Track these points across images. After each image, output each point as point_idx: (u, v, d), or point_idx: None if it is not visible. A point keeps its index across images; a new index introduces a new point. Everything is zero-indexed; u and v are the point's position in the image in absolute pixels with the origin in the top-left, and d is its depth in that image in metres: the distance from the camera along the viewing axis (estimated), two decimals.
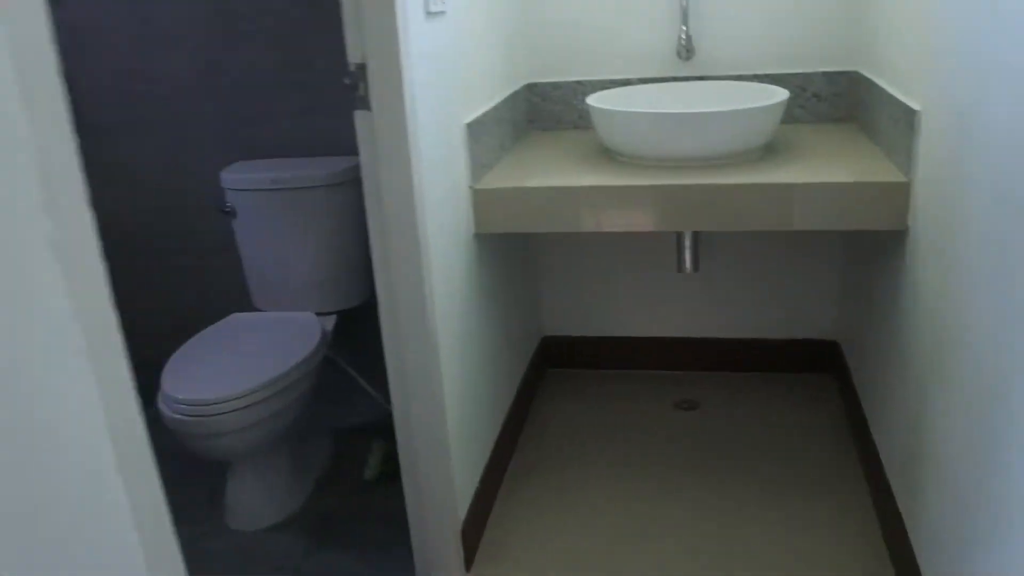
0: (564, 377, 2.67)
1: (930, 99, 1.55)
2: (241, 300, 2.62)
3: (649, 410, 2.45)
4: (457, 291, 1.76)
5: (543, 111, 2.38)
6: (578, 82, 2.34)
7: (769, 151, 1.96)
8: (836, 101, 2.24)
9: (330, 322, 2.36)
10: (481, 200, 1.83)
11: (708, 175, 1.78)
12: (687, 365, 2.63)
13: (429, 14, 1.53)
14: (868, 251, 2.11)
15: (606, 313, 2.62)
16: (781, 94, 1.90)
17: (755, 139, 1.86)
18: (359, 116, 1.45)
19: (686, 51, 2.23)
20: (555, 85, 2.35)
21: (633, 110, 1.82)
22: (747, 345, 2.57)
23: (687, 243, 2.02)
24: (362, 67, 1.42)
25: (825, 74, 2.22)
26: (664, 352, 2.63)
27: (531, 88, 2.36)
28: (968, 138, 1.34)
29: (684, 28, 2.20)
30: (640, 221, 1.79)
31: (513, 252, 2.28)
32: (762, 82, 2.23)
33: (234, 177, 2.32)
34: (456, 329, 1.75)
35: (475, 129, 1.81)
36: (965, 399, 1.33)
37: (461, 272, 1.78)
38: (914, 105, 1.63)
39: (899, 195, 1.68)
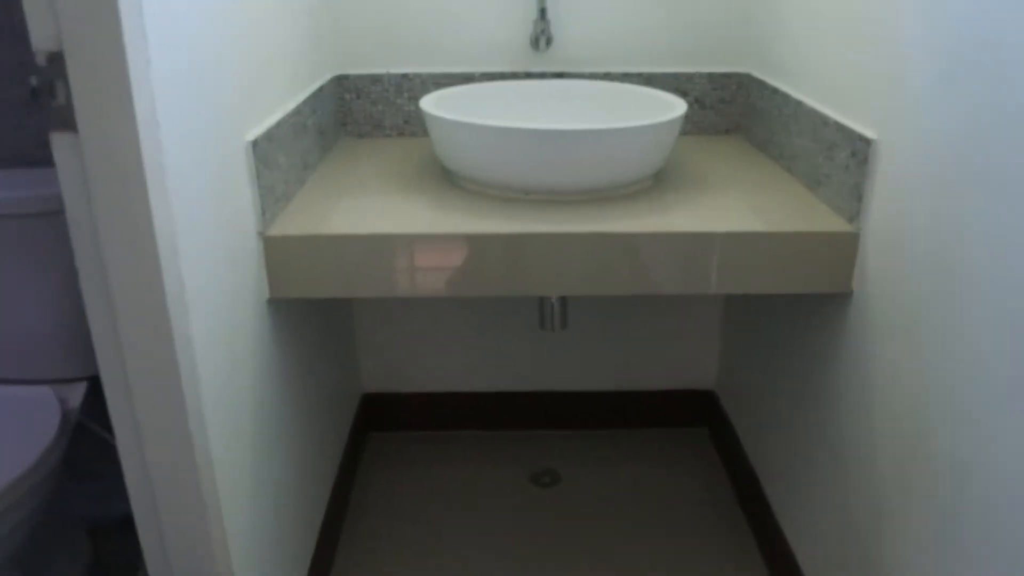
0: (392, 441, 2.13)
1: (893, 125, 1.14)
2: None
3: (501, 484, 1.96)
4: (244, 372, 1.19)
5: (358, 112, 1.82)
6: (404, 75, 1.79)
7: (659, 179, 1.50)
8: (723, 109, 1.82)
9: (77, 392, 1.71)
10: (275, 252, 1.26)
11: (589, 216, 1.30)
12: (543, 424, 2.16)
13: None
14: (764, 296, 1.71)
15: (442, 363, 2.11)
16: (678, 105, 1.45)
17: (650, 165, 1.40)
18: (58, 141, 0.86)
19: (543, 40, 1.74)
20: (374, 78, 1.80)
21: (485, 123, 1.30)
22: (611, 398, 2.14)
23: (554, 302, 1.54)
24: (56, 58, 0.82)
25: (710, 76, 1.80)
26: (516, 409, 2.15)
27: (342, 82, 1.80)
28: (956, 180, 0.93)
29: (541, 9, 1.71)
30: (491, 284, 1.28)
31: (323, 300, 1.71)
32: (634, 82, 1.78)
33: None
34: (247, 419, 1.19)
35: (265, 148, 1.24)
36: (940, 526, 0.92)
37: (249, 347, 1.22)
38: (867, 132, 1.21)
39: (845, 250, 1.26)
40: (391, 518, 1.86)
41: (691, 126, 1.83)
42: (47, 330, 1.71)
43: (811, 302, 1.45)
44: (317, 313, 1.66)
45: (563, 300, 1.56)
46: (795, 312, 1.55)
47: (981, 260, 0.93)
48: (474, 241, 1.25)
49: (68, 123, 0.84)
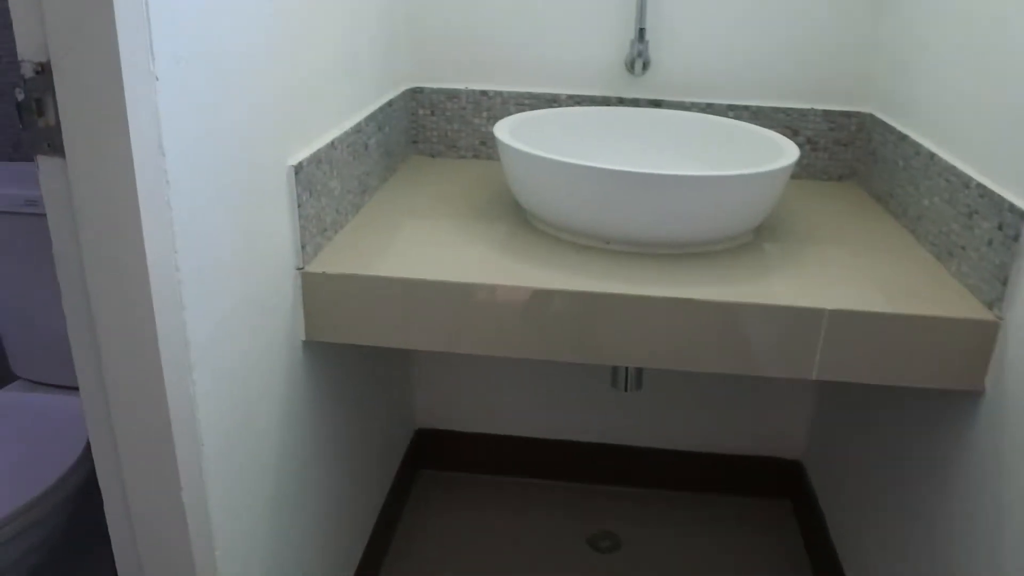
0: (442, 481, 1.98)
1: None
2: None
3: (554, 544, 1.79)
4: (269, 428, 1.05)
5: (432, 129, 1.68)
6: (484, 92, 1.64)
7: (760, 233, 1.31)
8: (838, 152, 1.61)
9: None
10: (314, 291, 1.11)
11: (678, 277, 1.12)
12: (604, 479, 1.98)
13: None
14: None
15: (502, 404, 1.94)
16: (790, 150, 1.25)
17: (749, 220, 1.21)
18: (45, 166, 0.73)
19: (643, 63, 1.56)
20: (451, 94, 1.64)
21: (563, 160, 1.13)
22: (684, 458, 1.94)
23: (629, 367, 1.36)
24: (44, 70, 0.69)
25: (826, 113, 1.59)
26: (578, 461, 1.97)
27: (416, 95, 1.65)
28: None
29: (639, 29, 1.53)
30: (555, 349, 1.11)
31: None
32: (739, 116, 1.59)
33: None
34: (267, 487, 1.05)
35: (311, 172, 1.10)
36: None
37: (277, 398, 1.07)
38: (1021, 203, 1.00)
39: (979, 341, 1.05)
40: (433, 564, 1.71)
41: (800, 169, 1.63)
42: None
43: (929, 392, 1.24)
44: (368, 350, 1.52)
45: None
46: (909, 397, 1.34)
47: None
48: (541, 297, 1.08)
49: (55, 146, 0.71)
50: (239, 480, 0.98)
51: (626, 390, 1.40)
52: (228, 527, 0.95)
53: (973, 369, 1.07)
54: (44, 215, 1.47)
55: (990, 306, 1.06)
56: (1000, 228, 1.04)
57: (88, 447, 1.43)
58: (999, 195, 1.04)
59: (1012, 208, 1.01)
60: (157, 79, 0.72)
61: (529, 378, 1.90)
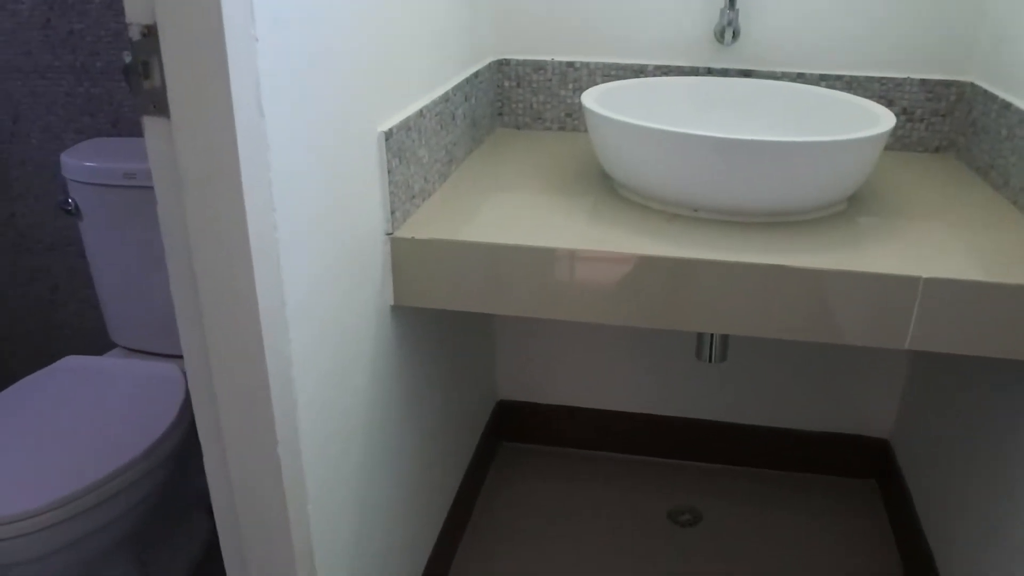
0: (524, 454, 2.00)
1: None
2: (95, 329, 1.94)
3: (635, 517, 1.79)
4: (358, 390, 1.08)
5: (518, 101, 1.68)
6: (570, 63, 1.63)
7: (854, 203, 1.28)
8: (935, 123, 1.56)
9: None
10: (403, 256, 1.13)
11: (767, 244, 1.10)
12: (685, 455, 1.97)
13: None
14: None
15: (584, 377, 1.95)
16: (885, 118, 1.22)
17: (843, 188, 1.19)
18: (150, 126, 0.76)
19: (730, 32, 1.53)
20: (536, 65, 1.65)
21: (653, 126, 1.12)
22: (768, 435, 1.92)
23: (715, 335, 1.35)
24: (151, 33, 0.72)
25: (923, 83, 1.54)
26: (657, 435, 1.96)
27: (502, 67, 1.66)
28: None
29: None
30: (643, 315, 1.11)
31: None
32: (832, 86, 1.55)
33: (78, 164, 1.61)
34: (357, 446, 1.08)
35: (401, 139, 1.12)
36: None
37: (366, 361, 1.10)
38: None
39: None
40: (513, 536, 1.73)
41: (895, 140, 1.58)
42: None
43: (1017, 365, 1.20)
44: (452, 319, 1.54)
45: (726, 336, 1.37)
46: (1005, 372, 1.29)
47: None
48: (628, 263, 1.08)
49: (161, 107, 0.74)
50: (331, 438, 1.01)
51: (711, 361, 1.39)
52: (320, 483, 0.98)
53: None
54: (141, 187, 1.54)
55: None
56: None
57: (183, 408, 1.50)
58: None
59: None
60: (257, 40, 0.74)
61: (612, 350, 1.90)
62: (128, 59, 0.73)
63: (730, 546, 1.71)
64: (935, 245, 1.13)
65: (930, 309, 1.03)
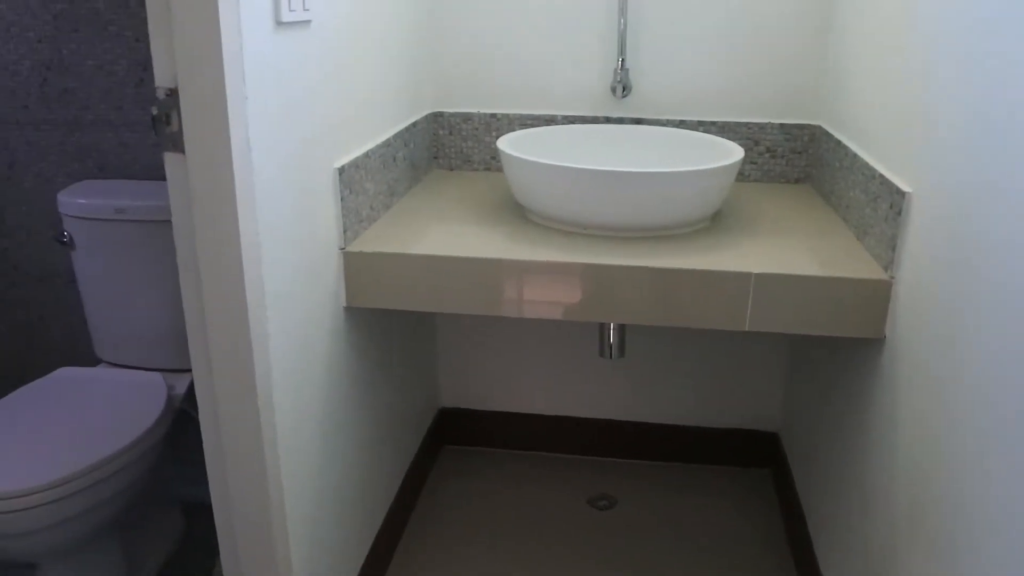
0: (462, 455, 2.27)
1: (925, 179, 1.21)
2: (80, 348, 2.18)
3: (559, 504, 2.07)
4: (317, 370, 1.36)
5: (450, 147, 1.99)
6: (493, 115, 1.95)
7: (717, 221, 1.60)
8: (793, 159, 1.90)
9: (184, 381, 1.93)
10: (353, 266, 1.42)
11: (641, 252, 1.41)
12: (605, 451, 2.26)
13: (281, 24, 1.13)
14: (825, 341, 1.77)
15: (512, 386, 2.24)
16: (735, 152, 1.55)
17: (702, 208, 1.50)
18: (170, 160, 1.04)
19: (621, 88, 1.86)
20: (465, 117, 1.96)
21: (550, 163, 1.44)
22: (674, 432, 2.22)
23: (612, 329, 1.65)
24: (173, 93, 1.01)
25: (782, 126, 1.88)
26: (579, 435, 2.25)
27: (437, 118, 1.97)
28: (979, 235, 0.99)
29: (620, 60, 1.84)
30: (552, 308, 1.41)
31: (403, 316, 1.88)
32: (707, 130, 1.88)
33: (73, 202, 1.87)
34: (316, 414, 1.35)
35: (351, 174, 1.41)
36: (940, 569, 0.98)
37: (324, 348, 1.38)
38: (903, 185, 1.29)
39: (878, 296, 1.33)
40: (452, 527, 1.99)
41: (762, 174, 1.92)
42: (167, 324, 1.93)
43: (854, 347, 1.52)
44: (398, 327, 1.82)
45: (621, 331, 1.67)
46: (841, 357, 1.61)
47: (996, 317, 1.00)
48: (536, 269, 1.38)
49: (178, 146, 1.02)
50: (297, 400, 1.28)
51: (611, 357, 1.69)
52: (289, 433, 1.25)
53: (875, 321, 1.35)
54: (130, 221, 1.80)
55: (886, 269, 1.34)
56: (891, 207, 1.32)
57: (166, 409, 1.75)
58: (891, 181, 1.33)
59: (898, 191, 1.29)
60: (247, 98, 1.03)
61: (537, 361, 2.19)
62: (155, 112, 1.01)
63: (642, 526, 2.00)
64: (773, 250, 1.44)
65: (761, 298, 1.35)
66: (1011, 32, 0.97)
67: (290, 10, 1.14)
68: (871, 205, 1.43)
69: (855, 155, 1.54)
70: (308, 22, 1.22)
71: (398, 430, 1.90)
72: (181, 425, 1.91)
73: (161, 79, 1.00)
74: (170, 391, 1.84)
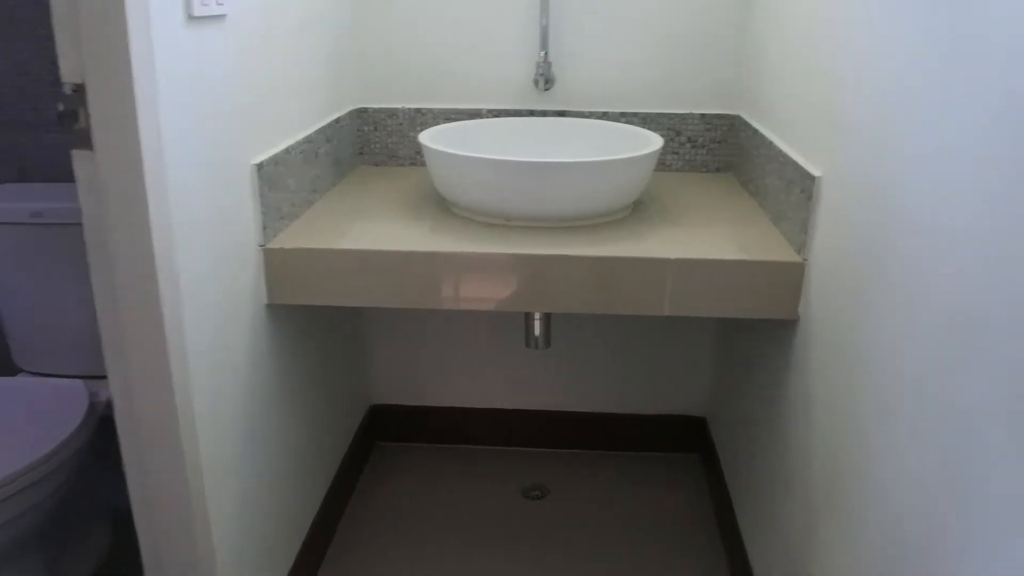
0: (395, 452, 2.27)
1: (833, 164, 1.25)
2: None
3: (493, 497, 2.08)
4: (239, 369, 1.34)
5: (375, 143, 1.99)
6: (418, 110, 1.95)
7: (638, 209, 1.63)
8: (714, 149, 1.94)
9: (108, 388, 1.88)
10: (274, 263, 1.41)
11: (563, 242, 1.43)
12: (537, 442, 2.28)
13: (193, 18, 1.12)
14: (746, 324, 1.82)
15: (443, 380, 2.24)
16: (655, 142, 1.57)
17: (622, 197, 1.53)
18: (78, 158, 1.02)
19: (544, 80, 1.88)
20: (390, 112, 1.96)
21: (470, 155, 1.45)
22: (603, 420, 2.25)
23: (536, 319, 1.67)
24: (80, 89, 0.99)
25: (703, 116, 1.92)
26: (511, 427, 2.27)
27: (361, 114, 1.96)
28: (880, 217, 1.03)
29: (543, 53, 1.85)
30: (475, 299, 1.42)
31: (329, 313, 1.87)
32: (630, 122, 1.91)
33: None
34: (239, 413, 1.34)
35: (271, 171, 1.40)
36: (866, 547, 1.01)
37: (245, 347, 1.37)
38: (813, 170, 1.33)
39: (792, 278, 1.37)
40: (386, 524, 1.99)
41: (684, 164, 1.95)
42: (85, 329, 1.88)
43: (772, 329, 1.56)
44: (324, 324, 1.81)
45: (546, 321, 1.69)
46: (761, 340, 1.65)
47: (896, 295, 1.04)
48: (457, 260, 1.39)
49: (86, 143, 1.01)
50: (218, 401, 1.27)
51: (537, 348, 1.70)
52: (210, 433, 1.24)
53: (789, 302, 1.39)
54: (47, 224, 1.75)
55: (799, 251, 1.38)
56: (802, 191, 1.36)
57: (87, 416, 1.71)
58: (803, 167, 1.37)
59: (809, 175, 1.33)
60: (158, 93, 1.02)
61: (468, 356, 2.20)
62: (61, 108, 0.99)
63: (575, 514, 2.02)
64: (693, 237, 1.48)
65: (680, 283, 1.37)
66: (908, 25, 1.01)
67: (203, 4, 1.12)
68: (785, 191, 1.47)
69: (771, 143, 1.58)
70: (223, 16, 1.21)
71: (328, 428, 1.89)
72: (108, 433, 1.87)
73: (67, 74, 0.98)
74: (94, 398, 1.80)
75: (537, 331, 1.67)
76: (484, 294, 1.41)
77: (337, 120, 1.79)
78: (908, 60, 1.00)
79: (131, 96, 0.97)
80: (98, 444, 1.81)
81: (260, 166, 1.36)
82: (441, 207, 1.64)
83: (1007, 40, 0.78)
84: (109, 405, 1.84)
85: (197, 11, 1.11)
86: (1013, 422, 0.74)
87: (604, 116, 1.92)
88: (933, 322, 0.91)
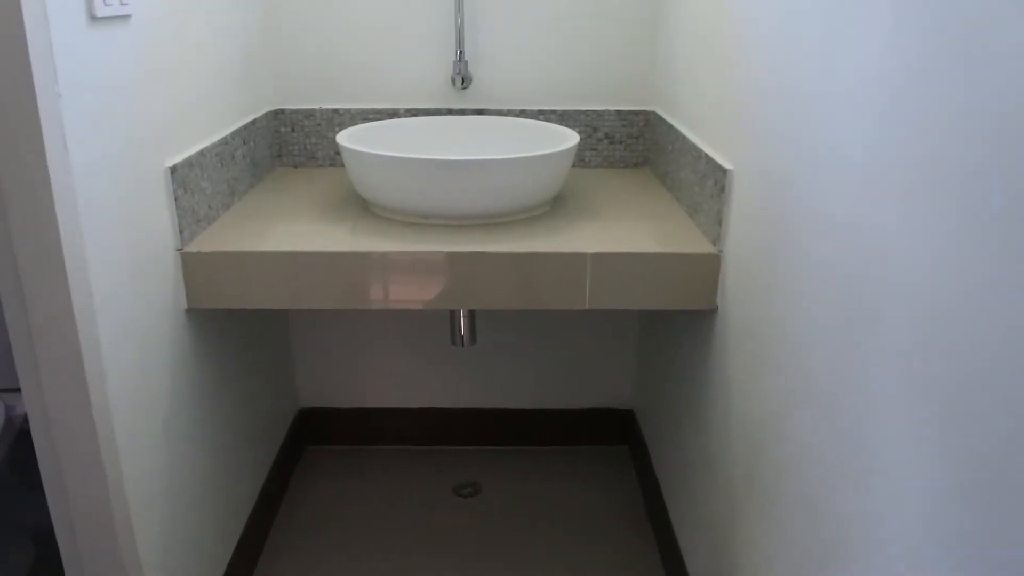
0: (326, 455, 2.25)
1: (743, 158, 1.29)
2: None
3: (425, 495, 2.08)
4: (159, 375, 1.32)
5: (293, 144, 1.97)
6: (335, 111, 1.94)
7: (557, 206, 1.65)
8: (631, 144, 1.97)
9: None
10: (193, 267, 1.39)
11: (483, 239, 1.44)
12: (467, 440, 2.28)
13: (96, 19, 1.09)
14: (668, 317, 1.85)
15: (371, 382, 2.23)
16: (571, 138, 1.59)
17: (540, 193, 1.54)
18: None
19: (461, 79, 1.88)
20: (307, 113, 1.94)
21: (388, 154, 1.44)
22: (532, 416, 2.27)
23: (461, 316, 1.67)
24: None
25: (619, 113, 1.95)
26: (440, 426, 2.27)
27: (278, 116, 1.94)
28: (786, 207, 1.07)
29: (459, 52, 1.86)
30: (398, 298, 1.42)
31: (253, 317, 1.84)
32: (548, 119, 1.93)
33: None
34: (160, 420, 1.31)
35: (185, 173, 1.38)
36: (782, 516, 1.05)
37: (165, 353, 1.34)
38: (725, 163, 1.36)
39: (708, 270, 1.41)
40: (318, 527, 1.97)
41: (602, 160, 1.98)
42: (1, 340, 1.83)
43: (692, 320, 1.59)
44: (248, 328, 1.79)
45: (471, 319, 1.69)
46: (682, 331, 1.69)
47: (802, 282, 1.07)
48: (377, 260, 1.39)
49: None
50: (137, 408, 1.24)
51: (463, 345, 1.71)
52: (131, 443, 1.22)
53: (707, 292, 1.42)
54: None
55: (714, 243, 1.41)
56: (715, 183, 1.40)
57: (4, 431, 1.66)
58: (715, 160, 1.40)
59: (721, 168, 1.37)
60: (60, 96, 1.00)
61: (396, 356, 2.20)
62: None
63: (507, 509, 2.03)
64: (610, 231, 1.50)
65: (598, 276, 1.40)
66: (808, 25, 1.05)
67: (106, 4, 1.10)
68: (700, 184, 1.50)
69: (685, 137, 1.61)
70: (127, 17, 1.18)
71: (255, 433, 1.87)
72: (28, 449, 1.81)
73: None
74: (9, 412, 1.75)
75: (462, 329, 1.67)
76: (406, 293, 1.41)
77: (254, 121, 1.77)
78: (802, 56, 1.03)
79: (32, 99, 0.95)
80: (17, 460, 1.75)
81: (173, 169, 1.34)
82: (361, 207, 1.63)
83: (884, 35, 0.81)
84: (25, 420, 1.79)
85: (100, 11, 1.09)
86: (906, 399, 0.77)
87: (522, 114, 1.94)
88: (829, 311, 0.94)
